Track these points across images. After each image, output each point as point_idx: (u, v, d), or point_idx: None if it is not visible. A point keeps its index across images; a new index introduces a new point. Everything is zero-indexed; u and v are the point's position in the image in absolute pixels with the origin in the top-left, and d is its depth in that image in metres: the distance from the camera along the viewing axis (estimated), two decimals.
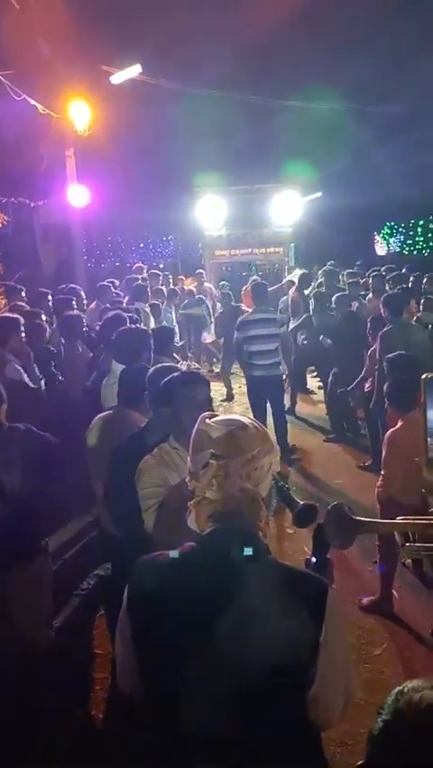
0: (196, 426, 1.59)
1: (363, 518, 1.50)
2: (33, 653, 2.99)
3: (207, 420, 1.58)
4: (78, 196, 12.21)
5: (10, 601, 2.94)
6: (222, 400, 10.09)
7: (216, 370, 11.46)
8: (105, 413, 3.70)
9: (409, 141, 18.27)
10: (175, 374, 2.61)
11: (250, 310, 7.83)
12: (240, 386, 10.44)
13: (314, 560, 1.69)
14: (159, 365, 3.21)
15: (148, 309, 8.80)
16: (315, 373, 10.20)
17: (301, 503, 1.81)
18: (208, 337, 11.90)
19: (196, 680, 1.43)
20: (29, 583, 3.01)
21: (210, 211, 14.16)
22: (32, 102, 10.68)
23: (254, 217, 14.17)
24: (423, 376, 1.24)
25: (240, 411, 8.74)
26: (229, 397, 10.22)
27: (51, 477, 3.02)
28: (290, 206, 14.19)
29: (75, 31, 11.12)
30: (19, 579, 2.96)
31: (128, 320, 5.19)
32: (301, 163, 16.42)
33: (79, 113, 11.80)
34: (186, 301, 12.43)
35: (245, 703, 1.40)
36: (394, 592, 4.28)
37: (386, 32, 16.91)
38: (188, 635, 1.44)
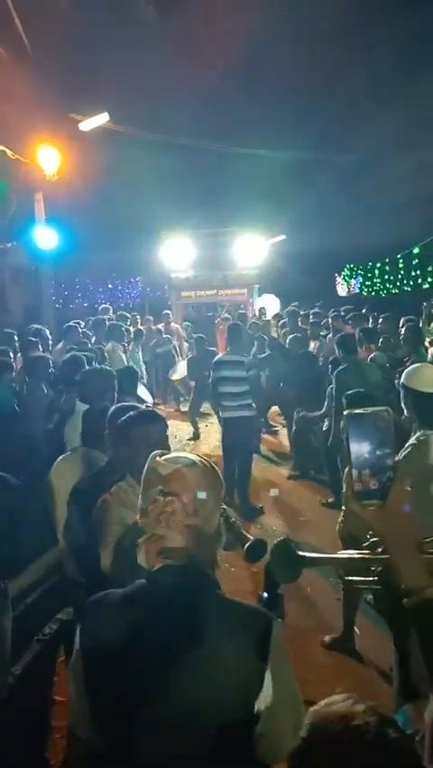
0: (147, 464, 1.64)
1: (307, 554, 1.55)
2: None
3: (157, 458, 1.62)
4: (46, 238, 12.33)
5: None
6: (188, 439, 10.12)
7: (184, 408, 11.49)
8: (67, 453, 3.71)
9: (368, 187, 19.08)
10: (131, 413, 2.65)
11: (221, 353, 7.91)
12: (206, 425, 10.50)
13: (265, 595, 1.73)
14: (118, 404, 3.25)
15: (121, 350, 8.86)
16: (279, 411, 10.31)
17: (251, 538, 1.86)
18: (176, 374, 11.94)
19: (146, 717, 1.44)
20: None
21: (177, 253, 14.39)
22: (1, 147, 10.87)
23: (220, 259, 14.44)
24: (345, 412, 1.30)
25: (207, 450, 8.78)
26: (196, 436, 10.25)
27: (12, 518, 2.99)
28: (254, 249, 14.50)
29: (44, 79, 11.42)
30: None
31: (86, 360, 5.24)
32: (266, 207, 16.91)
33: (48, 158, 12.02)
34: (154, 340, 12.56)
35: (193, 738, 1.42)
36: (356, 629, 4.30)
37: (344, 84, 17.74)
38: (137, 671, 1.46)
